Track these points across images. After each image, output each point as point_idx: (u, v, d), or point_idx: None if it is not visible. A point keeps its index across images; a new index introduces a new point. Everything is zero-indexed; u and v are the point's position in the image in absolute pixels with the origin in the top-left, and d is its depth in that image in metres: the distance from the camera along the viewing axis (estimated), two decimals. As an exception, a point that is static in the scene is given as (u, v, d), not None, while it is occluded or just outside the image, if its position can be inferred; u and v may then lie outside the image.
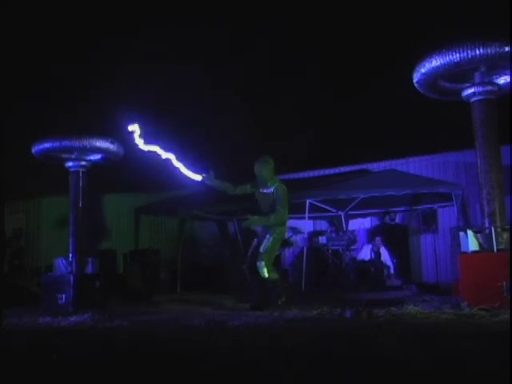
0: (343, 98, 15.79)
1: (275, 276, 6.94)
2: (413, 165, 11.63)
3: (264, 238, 6.97)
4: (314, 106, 16.33)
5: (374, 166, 11.99)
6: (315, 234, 12.15)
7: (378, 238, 10.58)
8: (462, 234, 6.43)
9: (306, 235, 11.71)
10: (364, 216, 12.05)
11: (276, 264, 8.30)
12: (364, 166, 12.19)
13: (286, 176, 12.07)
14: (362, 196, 10.17)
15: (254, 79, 16.00)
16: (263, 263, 6.81)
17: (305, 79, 16.20)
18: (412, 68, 6.67)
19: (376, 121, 15.13)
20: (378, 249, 10.45)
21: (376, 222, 12.08)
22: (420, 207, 11.31)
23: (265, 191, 6.98)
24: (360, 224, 11.95)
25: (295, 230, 12.36)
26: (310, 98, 16.34)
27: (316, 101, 16.23)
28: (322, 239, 11.08)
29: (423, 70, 6.50)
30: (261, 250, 6.89)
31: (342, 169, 12.53)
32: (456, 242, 6.78)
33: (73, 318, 6.30)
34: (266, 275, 6.81)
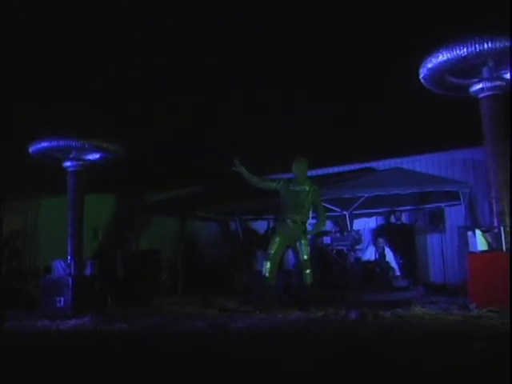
0: (346, 95, 15.71)
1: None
2: (419, 163, 11.59)
3: (295, 242, 7.37)
4: (315, 103, 16.26)
5: (379, 164, 11.95)
6: (319, 234, 12.10)
7: (380, 240, 10.56)
8: (470, 233, 6.40)
9: (309, 235, 11.68)
10: (369, 215, 12.01)
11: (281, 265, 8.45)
12: (369, 165, 12.15)
13: (290, 175, 12.05)
14: (367, 195, 10.14)
15: (256, 76, 15.96)
16: (310, 271, 7.31)
17: (305, 75, 16.15)
18: (418, 63, 6.64)
19: (381, 118, 15.05)
20: (383, 250, 10.42)
21: (381, 221, 12.03)
22: (427, 206, 11.26)
23: (298, 189, 7.43)
24: (365, 224, 11.91)
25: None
26: (311, 95, 16.30)
27: (317, 97, 16.17)
28: (327, 239, 11.03)
29: (430, 65, 6.46)
30: (304, 257, 7.32)
31: (346, 167, 12.50)
32: (464, 242, 6.77)
33: (72, 322, 6.31)
34: (311, 281, 7.26)
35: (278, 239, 7.39)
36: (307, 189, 7.44)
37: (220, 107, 15.27)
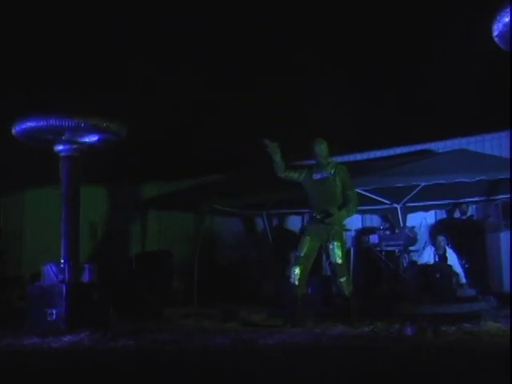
0: (398, 59, 15.53)
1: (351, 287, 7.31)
2: (490, 143, 11.43)
3: (326, 243, 7.27)
4: (359, 71, 16.15)
5: (439, 146, 11.83)
6: (365, 231, 12.08)
7: (441, 238, 10.45)
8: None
9: (353, 233, 11.62)
10: (426, 209, 11.92)
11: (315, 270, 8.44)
12: (426, 146, 12.04)
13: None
14: (424, 184, 10.04)
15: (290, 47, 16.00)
16: (346, 278, 7.24)
17: (348, 42, 16.07)
18: (491, 18, 6.50)
19: (441, 87, 14.86)
20: (444, 251, 10.33)
21: (442, 216, 11.93)
22: (500, 197, 11.11)
23: (320, 177, 7.46)
24: (421, 219, 11.82)
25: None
26: (353, 63, 16.18)
27: (360, 65, 16.04)
28: (374, 238, 10.99)
29: (507, 19, 6.32)
30: (338, 261, 7.20)
31: (399, 150, 12.40)
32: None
33: (66, 338, 6.36)
34: (347, 292, 7.19)
35: (307, 238, 7.39)
36: (332, 172, 7.44)
37: (244, 81, 15.36)
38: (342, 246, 7.33)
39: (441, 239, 10.47)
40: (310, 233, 7.40)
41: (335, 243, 7.23)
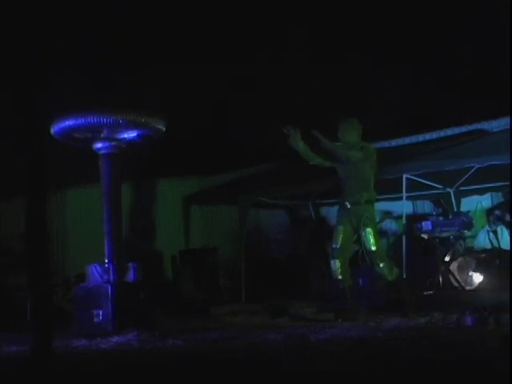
0: (448, 35, 15.28)
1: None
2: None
3: (358, 231, 7.22)
4: (404, 43, 15.92)
5: (493, 125, 11.61)
6: (416, 218, 11.97)
7: (495, 213, 10.31)
8: None
9: (404, 221, 11.52)
10: (481, 192, 11.76)
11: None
12: (479, 126, 11.84)
13: (374, 144, 11.87)
14: (478, 165, 9.90)
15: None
16: (385, 264, 7.21)
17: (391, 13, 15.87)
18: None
19: (492, 59, 14.56)
20: (497, 227, 10.19)
21: (499, 199, 11.75)
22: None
23: (347, 160, 7.26)
24: (476, 203, 11.66)
25: (387, 216, 12.23)
26: (401, 38, 15.98)
27: (406, 34, 15.81)
28: (427, 225, 10.84)
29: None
30: (372, 248, 7.17)
31: (449, 131, 12.22)
32: None
33: (114, 339, 6.47)
34: (391, 277, 7.23)
35: (340, 228, 7.36)
36: (360, 155, 7.26)
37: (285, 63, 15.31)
38: (375, 232, 7.28)
39: (495, 214, 10.33)
40: (342, 222, 7.36)
41: (367, 229, 7.18)
